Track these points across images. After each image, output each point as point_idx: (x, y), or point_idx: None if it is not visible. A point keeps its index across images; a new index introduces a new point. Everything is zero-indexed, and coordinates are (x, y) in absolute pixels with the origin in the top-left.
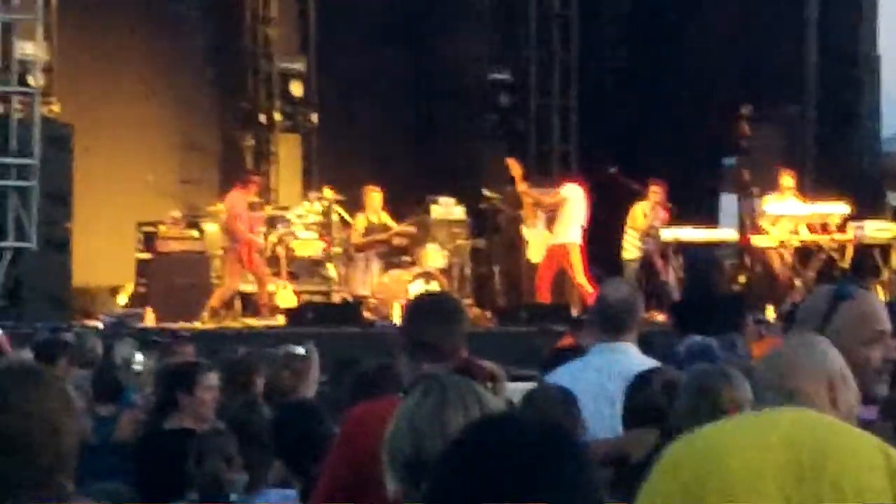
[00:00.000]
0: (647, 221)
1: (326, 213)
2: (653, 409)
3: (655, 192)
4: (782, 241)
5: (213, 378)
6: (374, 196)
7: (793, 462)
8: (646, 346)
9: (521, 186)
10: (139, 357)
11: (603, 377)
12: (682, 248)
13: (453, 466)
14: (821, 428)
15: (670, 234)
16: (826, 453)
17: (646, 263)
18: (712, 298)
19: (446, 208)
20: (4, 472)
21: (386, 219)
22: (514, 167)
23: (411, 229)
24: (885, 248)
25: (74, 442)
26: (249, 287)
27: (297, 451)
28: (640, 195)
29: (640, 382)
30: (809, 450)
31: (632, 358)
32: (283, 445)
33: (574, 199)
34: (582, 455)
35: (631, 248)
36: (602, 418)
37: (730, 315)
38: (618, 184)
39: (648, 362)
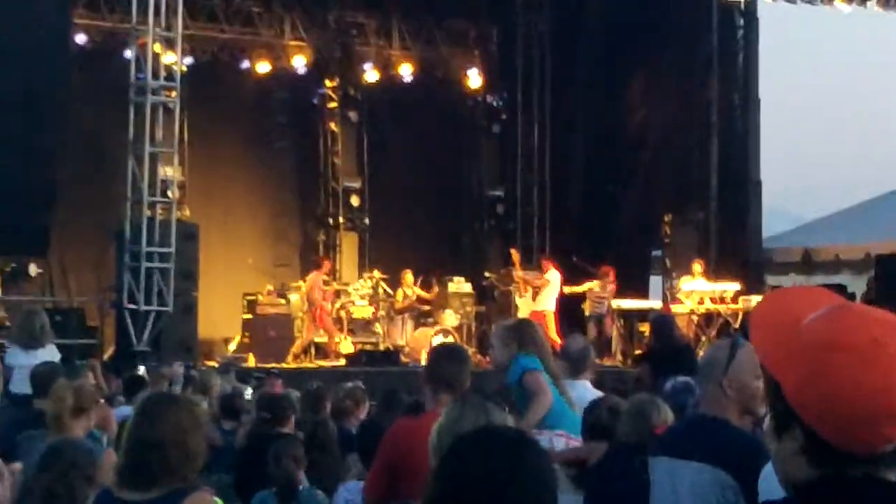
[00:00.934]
0: (599, 292)
1: (375, 287)
2: (602, 426)
3: (607, 273)
4: (692, 310)
5: (294, 401)
6: (408, 276)
7: None
8: (598, 383)
9: (518, 271)
10: (249, 390)
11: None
12: (623, 313)
13: (446, 469)
14: None
15: (615, 303)
16: None
17: (598, 321)
18: (675, 349)
19: (459, 285)
20: (148, 462)
21: (418, 291)
22: (515, 256)
23: (429, 297)
24: None
25: (200, 447)
26: (321, 339)
27: (372, 454)
28: (594, 274)
29: (593, 407)
30: None
31: (587, 390)
32: (364, 450)
33: (553, 281)
34: (543, 455)
35: (589, 309)
36: None
37: (688, 360)
38: (578, 267)
39: (598, 394)
